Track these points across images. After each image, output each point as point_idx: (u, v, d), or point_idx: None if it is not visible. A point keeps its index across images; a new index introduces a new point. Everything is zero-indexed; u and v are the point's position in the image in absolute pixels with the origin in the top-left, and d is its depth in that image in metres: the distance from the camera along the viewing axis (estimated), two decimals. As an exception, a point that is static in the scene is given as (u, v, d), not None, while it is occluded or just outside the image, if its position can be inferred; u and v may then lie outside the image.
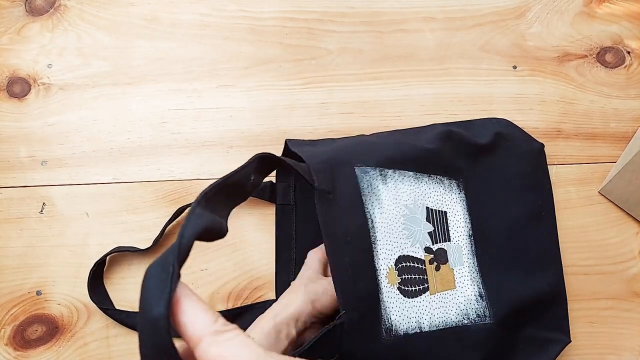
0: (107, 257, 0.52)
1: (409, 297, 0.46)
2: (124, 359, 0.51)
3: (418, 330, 0.45)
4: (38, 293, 0.52)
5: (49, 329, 0.51)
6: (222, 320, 0.25)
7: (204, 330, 0.24)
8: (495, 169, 0.52)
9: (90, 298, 0.51)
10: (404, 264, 0.46)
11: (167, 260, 0.25)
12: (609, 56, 0.59)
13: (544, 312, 0.50)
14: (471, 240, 0.50)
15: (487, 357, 0.47)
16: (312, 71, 0.58)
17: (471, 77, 0.57)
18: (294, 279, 0.51)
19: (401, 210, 0.48)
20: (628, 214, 0.55)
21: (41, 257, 0.53)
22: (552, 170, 0.56)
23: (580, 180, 0.56)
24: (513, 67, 0.59)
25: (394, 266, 0.45)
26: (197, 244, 0.57)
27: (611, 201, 0.55)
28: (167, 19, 0.59)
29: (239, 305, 0.52)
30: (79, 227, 0.54)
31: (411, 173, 0.49)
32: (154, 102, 0.57)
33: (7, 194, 0.54)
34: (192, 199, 0.54)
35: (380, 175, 0.48)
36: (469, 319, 0.48)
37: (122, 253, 0.53)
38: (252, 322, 0.48)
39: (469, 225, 0.50)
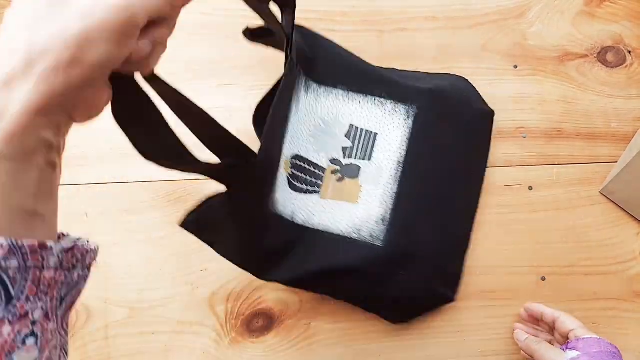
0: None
1: (293, 190, 0.50)
2: (123, 360, 0.51)
3: (289, 219, 0.49)
4: (37, 293, 0.52)
5: (49, 329, 0.51)
6: None
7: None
8: (449, 113, 0.53)
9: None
10: (298, 162, 0.51)
11: None
12: (610, 56, 0.59)
13: (442, 264, 0.51)
14: (399, 166, 0.51)
15: (362, 277, 0.48)
16: (312, 71, 0.58)
17: (472, 76, 0.57)
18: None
19: (314, 121, 0.51)
20: (629, 214, 0.55)
21: (40, 258, 0.53)
22: (553, 171, 0.56)
23: (581, 181, 0.56)
24: (514, 66, 0.59)
25: (289, 159, 0.51)
26: (198, 246, 0.56)
27: (612, 201, 0.55)
28: (166, 18, 0.59)
29: (238, 305, 0.52)
30: (78, 227, 0.53)
31: (341, 91, 0.52)
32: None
33: (6, 194, 0.53)
34: (192, 199, 0.54)
35: (305, 85, 0.51)
36: (359, 234, 0.49)
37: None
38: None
39: (403, 153, 0.51)
